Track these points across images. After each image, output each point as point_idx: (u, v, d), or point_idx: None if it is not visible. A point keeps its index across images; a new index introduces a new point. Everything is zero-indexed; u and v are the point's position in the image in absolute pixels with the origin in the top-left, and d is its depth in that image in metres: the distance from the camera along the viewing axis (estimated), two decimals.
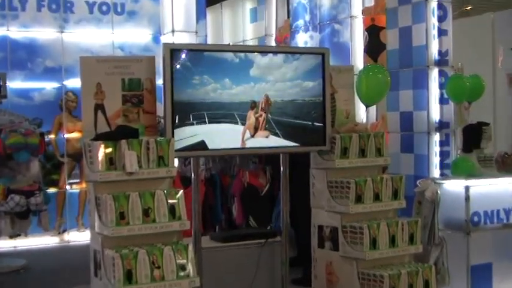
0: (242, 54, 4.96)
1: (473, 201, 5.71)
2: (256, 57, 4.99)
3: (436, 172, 7.97)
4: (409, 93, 8.22)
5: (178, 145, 4.65)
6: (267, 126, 5.00)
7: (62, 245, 9.72)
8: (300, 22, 11.90)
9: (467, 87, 7.92)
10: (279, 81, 5.04)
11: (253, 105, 4.95)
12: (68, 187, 10.02)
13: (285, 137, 5.07)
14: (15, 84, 10.06)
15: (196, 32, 10.52)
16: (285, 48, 7.30)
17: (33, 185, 8.08)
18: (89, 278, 4.50)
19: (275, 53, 5.16)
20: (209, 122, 4.74)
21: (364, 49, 10.37)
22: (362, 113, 7.38)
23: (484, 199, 5.78)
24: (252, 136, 4.97)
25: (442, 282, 5.50)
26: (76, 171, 10.09)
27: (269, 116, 5.01)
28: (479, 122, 7.91)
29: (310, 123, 5.18)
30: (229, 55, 4.90)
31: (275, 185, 7.07)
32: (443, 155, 8.03)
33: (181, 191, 4.38)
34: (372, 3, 10.43)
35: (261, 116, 4.96)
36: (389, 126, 8.42)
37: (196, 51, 4.82)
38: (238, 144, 4.93)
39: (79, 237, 9.83)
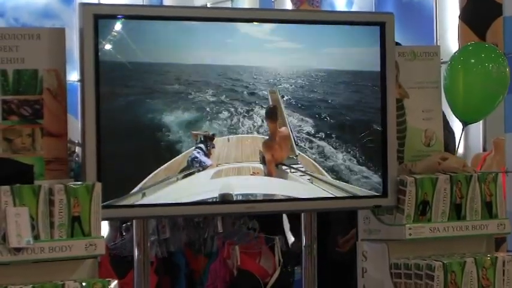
0: (227, 25, 3.82)
1: None
2: (254, 30, 3.92)
3: None
4: None
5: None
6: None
7: None
8: None
9: None
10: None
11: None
12: None
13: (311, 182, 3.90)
14: None
15: None
16: (305, 14, 5.76)
17: None
18: None
19: (286, 23, 3.96)
20: None
21: (460, 14, 8.49)
22: (457, 137, 6.04)
23: None
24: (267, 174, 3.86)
25: None
26: None
27: None
28: None
29: (356, 155, 3.96)
30: (204, 27, 3.79)
31: (291, 272, 5.86)
32: None
33: (114, 283, 3.45)
34: None
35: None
36: (510, 161, 6.66)
37: (143, 20, 3.69)
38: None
39: None
